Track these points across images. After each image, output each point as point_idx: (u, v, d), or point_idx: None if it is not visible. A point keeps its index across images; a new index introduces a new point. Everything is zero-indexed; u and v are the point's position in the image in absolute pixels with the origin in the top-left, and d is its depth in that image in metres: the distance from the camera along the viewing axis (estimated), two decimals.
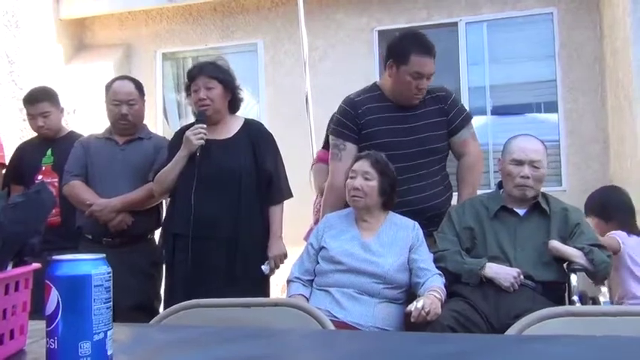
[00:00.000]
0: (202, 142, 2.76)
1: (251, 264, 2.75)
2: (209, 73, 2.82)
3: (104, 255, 0.91)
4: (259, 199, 2.83)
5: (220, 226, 2.74)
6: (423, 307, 2.24)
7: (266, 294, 2.86)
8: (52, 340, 0.86)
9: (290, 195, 2.94)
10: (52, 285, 0.86)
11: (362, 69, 5.80)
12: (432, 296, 2.32)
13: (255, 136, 2.89)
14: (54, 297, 0.86)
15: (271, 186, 2.85)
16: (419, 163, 2.77)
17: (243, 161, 2.81)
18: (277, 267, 2.85)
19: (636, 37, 4.33)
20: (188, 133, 2.79)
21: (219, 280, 2.67)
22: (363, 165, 2.59)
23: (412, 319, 2.24)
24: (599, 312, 1.26)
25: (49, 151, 3.30)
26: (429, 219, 2.71)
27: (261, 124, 3.07)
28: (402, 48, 2.75)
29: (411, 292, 2.50)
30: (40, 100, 3.36)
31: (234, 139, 2.86)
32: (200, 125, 2.78)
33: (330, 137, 2.93)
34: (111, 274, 0.90)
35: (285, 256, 2.85)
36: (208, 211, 2.72)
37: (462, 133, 2.87)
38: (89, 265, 0.88)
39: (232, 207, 2.75)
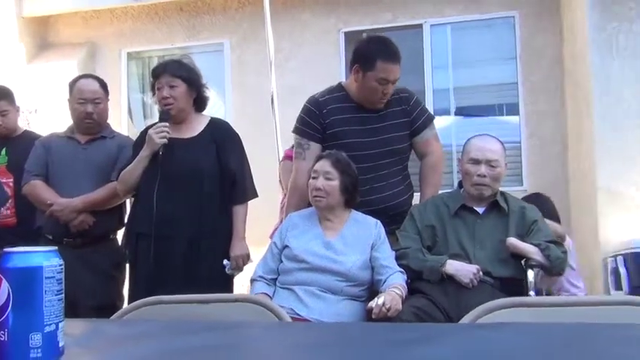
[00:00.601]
0: (165, 140, 2.74)
1: (213, 264, 2.74)
2: (173, 71, 2.81)
3: (56, 247, 0.91)
4: (222, 198, 2.82)
5: (182, 226, 2.72)
6: (383, 304, 2.27)
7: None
8: (2, 332, 0.86)
9: (255, 195, 2.94)
10: (2, 277, 0.86)
11: (328, 70, 5.84)
12: (392, 293, 2.36)
13: (220, 135, 2.88)
14: (4, 289, 0.86)
15: (235, 186, 2.85)
16: (381, 163, 2.80)
17: (207, 160, 2.80)
18: (240, 268, 2.84)
19: (594, 41, 4.45)
20: (150, 131, 2.77)
21: (182, 279, 2.65)
22: (324, 165, 2.61)
23: (373, 316, 2.27)
24: (547, 302, 1.31)
25: (3, 151, 3.26)
26: (391, 218, 2.75)
27: (227, 123, 3.07)
28: (368, 53, 2.77)
29: (373, 290, 2.53)
30: None
31: (198, 138, 2.85)
32: (163, 124, 2.76)
33: (294, 136, 2.94)
34: (63, 267, 0.91)
35: (247, 257, 2.83)
36: (170, 210, 2.71)
37: (425, 133, 2.92)
38: (40, 257, 0.88)
39: (194, 206, 2.74)
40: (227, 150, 2.85)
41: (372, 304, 2.29)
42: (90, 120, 3.05)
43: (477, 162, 2.66)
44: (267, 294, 2.51)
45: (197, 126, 2.88)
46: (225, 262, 2.77)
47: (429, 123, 2.94)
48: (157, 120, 2.87)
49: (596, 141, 4.35)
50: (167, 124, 2.76)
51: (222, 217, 2.81)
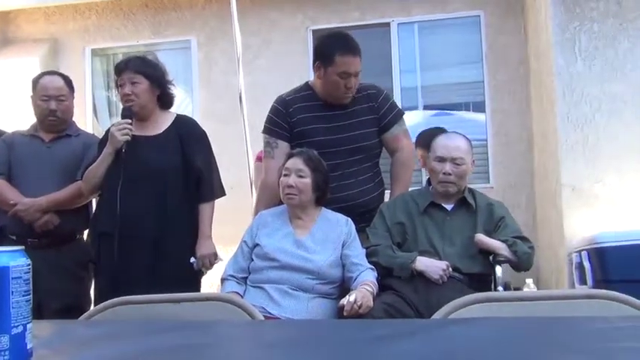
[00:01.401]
0: (128, 137, 2.69)
1: (179, 263, 2.71)
2: (135, 67, 2.76)
3: (23, 247, 0.89)
4: (187, 197, 2.78)
5: (145, 225, 2.68)
6: (355, 301, 2.28)
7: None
8: None
9: (222, 193, 2.91)
10: None
11: (296, 68, 5.83)
12: (363, 290, 2.37)
13: (186, 132, 2.84)
14: None
15: (201, 183, 2.81)
16: (349, 160, 2.81)
17: (170, 158, 2.76)
18: (208, 267, 2.80)
19: (557, 41, 4.53)
20: (112, 129, 2.73)
21: (147, 279, 2.61)
22: (296, 162, 2.61)
23: (345, 313, 2.28)
24: (514, 297, 1.33)
25: None
26: (361, 215, 2.76)
27: (193, 120, 3.04)
28: (326, 49, 2.79)
29: (344, 287, 2.54)
30: None
31: (162, 136, 2.81)
32: (125, 121, 2.72)
33: (263, 136, 2.94)
34: (30, 267, 0.88)
35: (214, 255, 2.79)
36: (133, 209, 2.67)
37: (394, 129, 2.92)
38: (6, 257, 0.86)
39: (158, 205, 2.70)
40: (192, 147, 2.81)
41: (344, 301, 2.30)
42: (54, 117, 2.99)
43: (442, 160, 2.69)
44: (238, 293, 2.49)
45: (162, 123, 2.84)
46: (192, 259, 2.74)
47: (398, 119, 2.94)
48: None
49: (560, 139, 4.43)
50: (130, 121, 2.72)
51: (188, 216, 2.77)
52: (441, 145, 2.73)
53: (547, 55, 4.76)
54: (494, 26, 5.78)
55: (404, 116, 3.03)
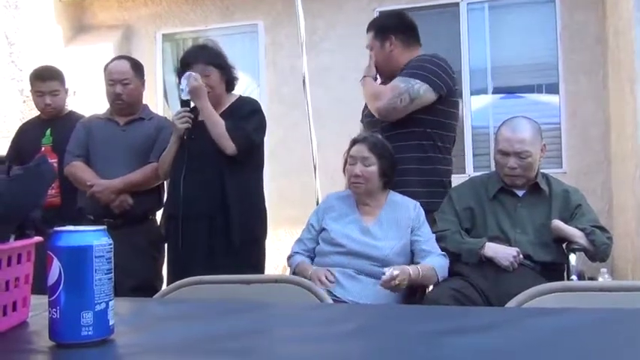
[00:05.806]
0: (187, 125, 2.75)
1: (238, 242, 2.70)
2: (205, 59, 2.80)
3: (105, 226, 0.92)
4: (245, 176, 2.78)
5: (204, 205, 2.72)
6: (395, 277, 2.26)
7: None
8: (54, 310, 0.88)
9: (248, 141, 2.75)
10: (53, 256, 0.88)
11: (363, 50, 5.75)
12: (408, 271, 2.33)
13: (238, 110, 2.83)
14: (56, 268, 0.87)
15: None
16: (393, 134, 2.74)
17: None
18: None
19: (638, 18, 4.30)
20: (173, 118, 2.81)
21: (205, 259, 2.67)
22: (361, 150, 2.58)
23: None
24: (595, 287, 1.27)
25: (48, 131, 3.28)
26: None
27: (250, 100, 3.00)
28: None
29: None
30: (50, 78, 3.38)
31: (221, 116, 2.83)
32: (183, 109, 2.78)
33: None
34: (112, 246, 0.91)
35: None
36: (194, 190, 2.72)
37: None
38: (90, 236, 0.89)
39: (215, 185, 2.72)
40: (235, 118, 2.77)
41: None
42: (120, 101, 3.08)
43: (505, 154, 2.59)
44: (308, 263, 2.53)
45: (225, 106, 2.87)
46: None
47: (401, 75, 2.74)
48: (193, 105, 2.89)
49: (639, 122, 4.22)
50: (188, 109, 2.78)
51: (245, 195, 2.77)
52: (504, 138, 2.61)
53: (627, 33, 4.52)
54: (570, 3, 5.52)
55: (414, 75, 2.71)
